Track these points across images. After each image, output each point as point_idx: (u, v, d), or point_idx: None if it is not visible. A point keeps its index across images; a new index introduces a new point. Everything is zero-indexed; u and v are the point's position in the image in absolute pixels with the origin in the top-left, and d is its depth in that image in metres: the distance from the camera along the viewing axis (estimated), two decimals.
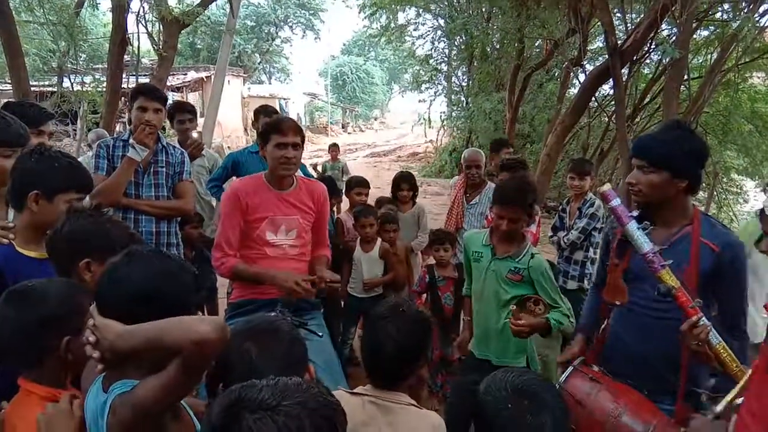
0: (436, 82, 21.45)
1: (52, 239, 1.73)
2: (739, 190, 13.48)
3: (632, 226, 2.05)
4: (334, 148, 10.14)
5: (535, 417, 1.26)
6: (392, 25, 19.30)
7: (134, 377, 1.23)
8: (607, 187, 2.20)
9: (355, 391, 1.76)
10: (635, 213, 2.17)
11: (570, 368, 2.17)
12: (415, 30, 19.42)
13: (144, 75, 13.27)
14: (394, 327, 1.71)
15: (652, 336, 2.12)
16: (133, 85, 10.15)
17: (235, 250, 2.71)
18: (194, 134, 3.99)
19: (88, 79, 13.53)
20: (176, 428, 1.28)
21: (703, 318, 1.89)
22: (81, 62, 14.31)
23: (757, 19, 8.26)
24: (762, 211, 1.62)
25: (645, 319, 2.15)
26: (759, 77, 12.32)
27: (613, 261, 2.26)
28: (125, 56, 9.68)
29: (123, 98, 9.42)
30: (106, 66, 10.29)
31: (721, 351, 1.87)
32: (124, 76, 9.90)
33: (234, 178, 3.71)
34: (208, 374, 1.50)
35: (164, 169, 3.25)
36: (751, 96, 12.33)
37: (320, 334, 2.60)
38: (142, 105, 3.14)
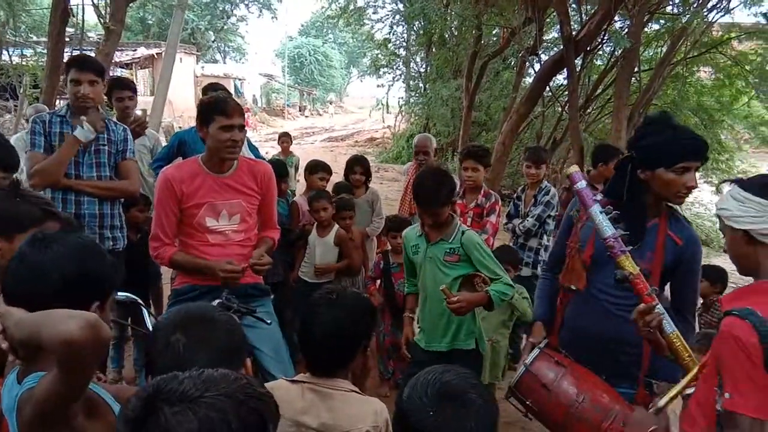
0: (395, 67, 21.34)
1: None
2: None
3: (596, 209, 2.05)
4: (285, 138, 8.07)
5: (459, 421, 1.21)
6: (351, 7, 19.02)
7: (47, 369, 1.14)
8: (574, 168, 2.20)
9: (294, 378, 1.74)
10: (599, 197, 2.18)
11: (536, 350, 2.18)
12: (374, 13, 19.18)
13: (89, 49, 12.67)
14: (330, 314, 1.68)
15: (612, 322, 2.14)
16: None
17: (171, 239, 2.60)
18: (138, 111, 3.80)
19: (29, 52, 12.84)
20: (92, 427, 1.19)
21: (659, 305, 1.90)
22: (21, 34, 13.56)
23: (705, 14, 8.50)
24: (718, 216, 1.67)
25: (605, 305, 2.17)
26: (706, 71, 12.73)
27: (575, 245, 2.27)
28: (69, 28, 9.20)
29: (65, 73, 8.97)
30: (47, 39, 9.76)
31: (675, 340, 1.89)
32: (67, 49, 9.41)
33: (180, 158, 3.55)
34: (146, 366, 1.43)
35: (106, 147, 3.10)
36: (697, 89, 12.74)
37: (269, 321, 2.54)
38: (75, 77, 2.97)
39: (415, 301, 2.99)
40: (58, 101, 9.49)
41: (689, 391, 1.68)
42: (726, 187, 1.71)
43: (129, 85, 4.18)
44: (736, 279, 2.55)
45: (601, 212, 2.04)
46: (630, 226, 2.11)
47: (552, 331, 2.36)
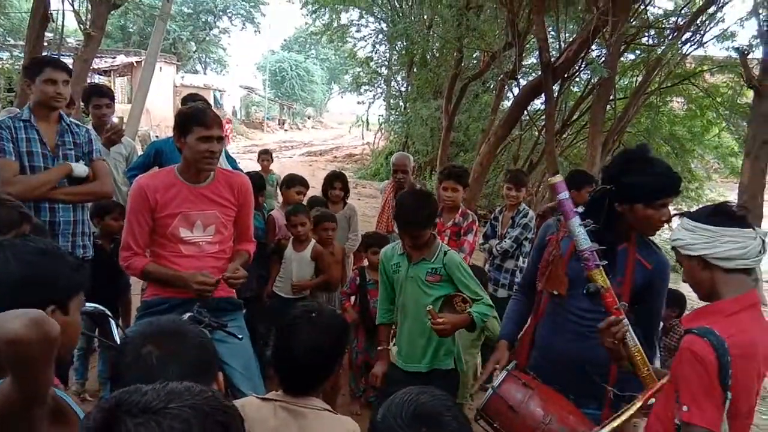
0: (376, 85, 21.49)
1: None
2: None
3: (575, 222, 2.07)
4: (265, 156, 7.33)
5: None
6: (334, 24, 19.18)
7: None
8: (558, 178, 2.22)
9: (266, 396, 1.70)
10: (580, 209, 2.21)
11: (504, 372, 2.18)
12: (357, 32, 19.40)
13: (68, 54, 12.51)
14: (309, 333, 1.66)
15: (581, 344, 2.17)
16: None
17: (142, 249, 2.54)
18: (115, 119, 3.76)
19: (5, 55, 12.62)
20: None
21: (625, 319, 1.94)
22: None
23: (680, 46, 8.76)
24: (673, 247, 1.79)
25: (575, 326, 2.19)
26: (678, 102, 13.08)
27: (557, 253, 2.29)
28: (48, 33, 9.08)
29: None
30: (25, 42, 9.60)
31: (636, 353, 1.94)
32: (46, 53, 9.27)
33: (156, 168, 3.50)
34: (111, 378, 1.40)
35: (72, 152, 3.03)
36: (670, 119, 13.06)
37: (240, 336, 2.48)
38: (52, 77, 2.89)
39: (388, 331, 2.94)
40: None
41: (651, 401, 1.77)
42: (675, 221, 1.84)
43: (107, 93, 4.13)
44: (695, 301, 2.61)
45: (580, 224, 2.07)
46: (604, 252, 2.13)
47: (521, 351, 2.37)
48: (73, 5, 9.29)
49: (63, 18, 9.57)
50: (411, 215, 2.62)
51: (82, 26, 9.36)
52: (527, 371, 2.27)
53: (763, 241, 1.68)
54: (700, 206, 1.90)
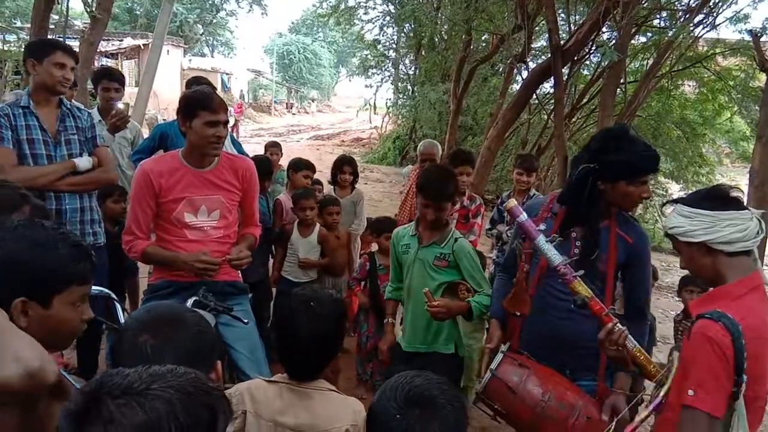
0: (384, 68, 21.37)
1: None
2: (664, 193, 14.14)
3: (541, 240, 2.11)
4: (274, 150, 5.89)
5: (424, 425, 1.23)
6: (342, 6, 19.00)
7: None
8: (512, 203, 2.24)
9: (272, 379, 1.71)
10: (542, 227, 2.26)
11: (500, 355, 2.22)
12: (364, 14, 19.20)
13: (74, 37, 12.49)
14: (311, 320, 1.65)
15: (568, 321, 2.21)
16: None
17: (145, 233, 2.54)
18: (120, 105, 3.75)
19: (11, 37, 12.61)
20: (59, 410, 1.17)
21: (618, 324, 1.96)
22: (4, 19, 13.32)
23: (691, 29, 8.60)
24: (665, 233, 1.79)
25: (565, 304, 2.21)
26: (690, 85, 12.87)
27: (523, 272, 2.34)
28: (54, 15, 9.05)
29: None
30: (30, 25, 9.58)
31: (638, 354, 1.96)
32: (51, 37, 9.25)
33: (161, 151, 3.49)
34: (112, 366, 1.39)
35: (76, 137, 2.98)
36: (681, 103, 12.88)
37: (245, 320, 2.50)
38: (62, 61, 2.85)
39: (395, 306, 2.97)
40: None
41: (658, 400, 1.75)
42: (668, 209, 1.83)
43: (118, 77, 4.10)
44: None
45: (546, 241, 2.11)
46: (587, 231, 2.22)
47: (512, 333, 2.40)
48: None
49: (68, 0, 9.52)
50: (438, 187, 2.63)
51: (88, 8, 9.31)
52: (521, 351, 2.30)
53: (760, 221, 1.68)
54: (690, 192, 1.89)
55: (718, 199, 1.72)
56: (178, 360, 1.15)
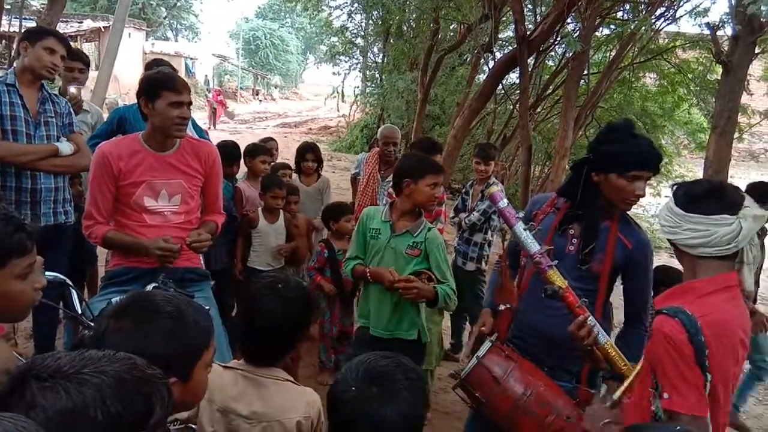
0: (352, 55, 21.21)
1: None
2: None
3: (519, 227, 2.11)
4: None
5: (378, 402, 1.23)
6: None
7: None
8: (495, 188, 2.24)
9: (228, 364, 1.70)
10: (521, 214, 2.25)
11: (487, 344, 2.21)
12: (332, 0, 19.01)
13: (31, 18, 12.04)
14: (274, 303, 1.65)
15: (557, 319, 2.17)
16: (16, 29, 9.18)
17: (105, 218, 2.49)
18: (72, 89, 3.68)
19: None
20: None
21: (591, 317, 1.96)
22: None
23: (653, 21, 8.78)
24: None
25: (549, 304, 2.19)
26: (651, 77, 13.15)
27: (504, 262, 2.36)
28: None
29: (2, 41, 8.46)
30: None
31: (609, 350, 1.95)
32: (6, 17, 8.91)
33: (120, 135, 3.40)
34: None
35: (54, 120, 3.07)
36: (642, 95, 13.15)
37: (207, 307, 2.46)
38: (52, 46, 2.96)
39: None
40: None
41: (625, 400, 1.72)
42: (667, 193, 1.74)
43: (84, 59, 4.00)
44: None
45: (524, 230, 2.10)
46: (585, 226, 2.20)
47: (502, 324, 2.39)
48: None
49: None
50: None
51: None
52: (507, 344, 2.30)
53: (747, 224, 1.52)
54: (683, 181, 1.80)
55: (691, 196, 1.61)
56: (157, 348, 1.14)
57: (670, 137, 14.49)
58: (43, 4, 13.12)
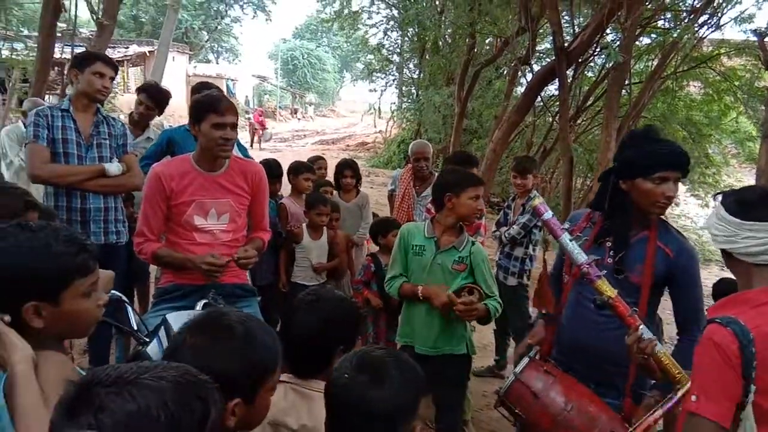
0: (388, 72, 21.39)
1: None
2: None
3: (565, 238, 2.08)
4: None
5: (367, 389, 1.25)
6: (345, 11, 19.07)
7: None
8: (538, 200, 2.22)
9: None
10: (567, 225, 2.22)
11: (526, 359, 2.19)
12: (368, 18, 19.25)
13: (81, 45, 12.58)
14: (310, 315, 1.68)
15: (602, 334, 2.15)
16: (68, 56, 9.61)
17: (156, 235, 2.57)
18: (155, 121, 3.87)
19: (19, 45, 12.71)
20: None
21: (643, 326, 1.92)
22: (12, 28, 13.43)
23: (696, 29, 8.60)
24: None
25: (595, 317, 2.16)
26: (695, 86, 12.86)
27: (544, 270, 2.35)
28: (61, 23, 9.12)
29: (56, 68, 8.88)
30: (38, 33, 9.67)
31: (662, 358, 1.91)
32: (58, 44, 9.33)
33: (168, 156, 3.52)
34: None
35: (107, 141, 3.18)
36: (686, 104, 12.86)
37: None
38: (101, 71, 3.09)
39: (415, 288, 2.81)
40: (47, 96, 9.39)
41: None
42: (714, 201, 1.68)
43: (156, 98, 4.02)
44: None
45: (571, 240, 2.07)
46: (614, 236, 2.16)
47: (545, 340, 2.36)
48: None
49: (75, 8, 9.61)
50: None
51: (94, 16, 9.39)
52: (548, 359, 2.28)
53: None
54: (731, 189, 1.71)
55: (744, 204, 1.56)
56: (226, 367, 1.17)
57: (717, 146, 14.09)
58: (92, 31, 13.70)
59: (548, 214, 2.12)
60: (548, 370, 2.14)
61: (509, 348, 4.68)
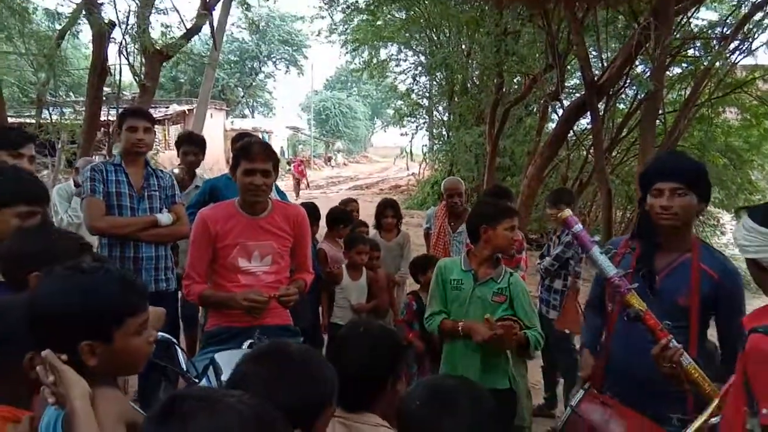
0: (418, 116, 21.71)
1: (1, 256, 1.70)
2: (716, 223, 13.68)
3: (596, 252, 2.08)
4: (353, 204, 5.06)
5: (438, 417, 1.26)
6: (374, 60, 19.60)
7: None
8: (568, 212, 2.23)
9: None
10: (597, 238, 2.23)
11: (582, 391, 2.17)
12: (396, 66, 19.72)
13: (124, 107, 13.17)
14: (356, 349, 1.69)
15: (651, 359, 2.08)
16: (113, 117, 10.12)
17: (202, 278, 2.65)
18: (176, 170, 4.06)
19: (67, 110, 13.42)
20: None
21: (673, 340, 1.91)
22: (61, 93, 14.22)
23: (728, 55, 8.52)
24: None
25: (649, 344, 2.10)
26: (732, 112, 12.64)
27: (573, 287, 2.30)
28: (106, 88, 9.62)
29: (101, 129, 9.34)
30: (85, 97, 10.22)
31: (692, 371, 1.89)
32: (104, 108, 9.83)
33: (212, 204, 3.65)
34: None
35: (157, 193, 3.32)
36: (724, 130, 12.62)
37: None
38: (133, 125, 3.22)
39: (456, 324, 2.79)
40: (94, 156, 9.83)
41: (713, 420, 1.68)
42: (741, 215, 1.71)
43: (197, 141, 4.45)
44: None
45: (601, 253, 2.08)
46: (640, 257, 2.16)
47: (595, 372, 2.31)
48: (128, 59, 9.84)
49: (120, 72, 10.12)
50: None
51: (137, 78, 9.88)
52: (603, 391, 2.23)
53: None
54: (755, 204, 1.76)
55: None
56: (286, 397, 1.20)
57: (760, 172, 13.71)
58: (135, 93, 14.39)
59: (578, 227, 2.13)
60: (605, 401, 2.10)
61: (558, 385, 4.55)
